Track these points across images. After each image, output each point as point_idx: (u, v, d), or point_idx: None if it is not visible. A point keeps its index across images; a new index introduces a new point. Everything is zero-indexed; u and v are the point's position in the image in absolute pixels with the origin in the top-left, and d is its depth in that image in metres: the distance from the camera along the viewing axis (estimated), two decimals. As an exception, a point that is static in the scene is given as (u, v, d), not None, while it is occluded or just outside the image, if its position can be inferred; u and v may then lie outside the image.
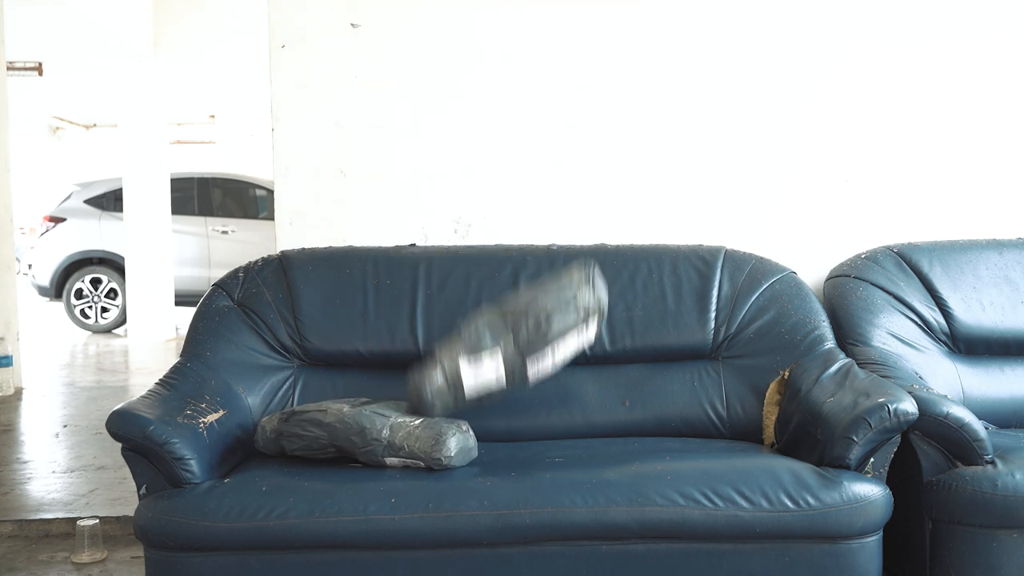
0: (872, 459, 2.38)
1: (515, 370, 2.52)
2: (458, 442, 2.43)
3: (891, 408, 2.32)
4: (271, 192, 8.85)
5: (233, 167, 13.19)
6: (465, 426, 2.49)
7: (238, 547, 2.27)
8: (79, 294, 9.61)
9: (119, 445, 2.38)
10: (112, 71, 9.13)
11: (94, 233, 9.60)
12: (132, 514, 2.36)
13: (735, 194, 3.30)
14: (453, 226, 3.29)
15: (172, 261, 9.29)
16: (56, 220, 9.70)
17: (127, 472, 2.45)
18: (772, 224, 3.29)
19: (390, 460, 2.44)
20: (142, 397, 2.50)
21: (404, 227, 3.28)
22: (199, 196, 9.94)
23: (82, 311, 9.62)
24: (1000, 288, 3.02)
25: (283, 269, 2.96)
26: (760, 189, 3.30)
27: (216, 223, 9.79)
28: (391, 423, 2.46)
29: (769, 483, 2.30)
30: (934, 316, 2.99)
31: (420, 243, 3.26)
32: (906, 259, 3.07)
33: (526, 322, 2.52)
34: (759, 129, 3.29)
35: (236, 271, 3.01)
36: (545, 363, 2.53)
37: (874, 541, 2.34)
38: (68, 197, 9.89)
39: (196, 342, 2.85)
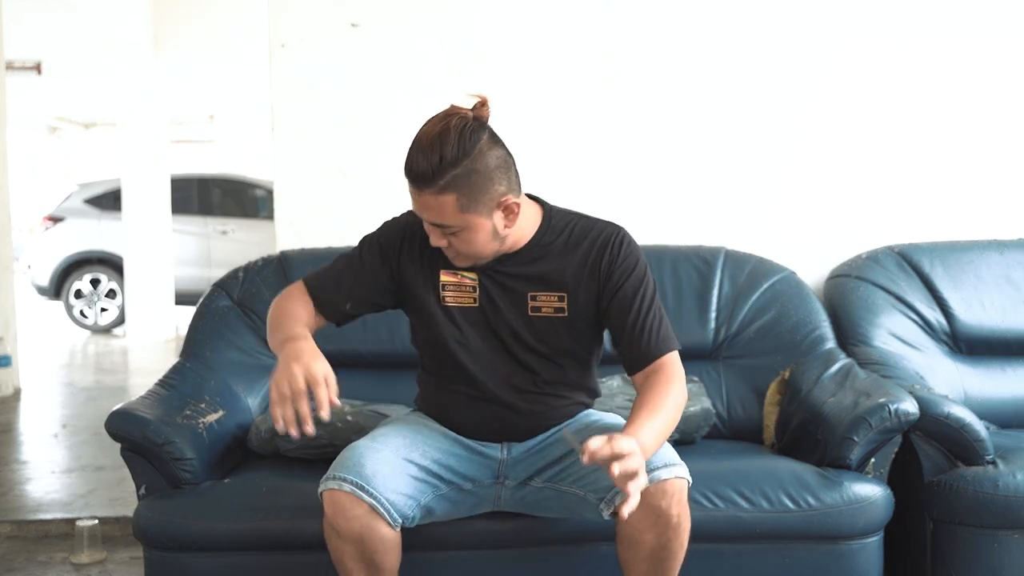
0: (873, 459, 2.38)
1: None
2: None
3: (892, 408, 2.32)
4: (271, 192, 8.84)
5: (233, 167, 13.18)
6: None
7: (238, 547, 2.27)
8: (78, 294, 9.60)
9: (118, 445, 2.38)
10: (112, 71, 9.11)
11: (93, 233, 9.58)
12: (131, 514, 2.35)
13: (735, 194, 3.29)
14: (453, 226, 3.27)
15: (172, 261, 9.28)
16: (56, 220, 9.69)
17: (126, 472, 2.44)
18: (772, 224, 3.28)
19: (389, 460, 2.43)
20: (141, 397, 2.49)
21: (404, 227, 3.27)
22: (199, 196, 9.94)
23: (81, 311, 9.62)
24: (1001, 288, 3.01)
25: (283, 269, 2.96)
26: (760, 189, 3.29)
27: (216, 223, 9.78)
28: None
29: (769, 483, 2.30)
30: (935, 316, 2.98)
31: (420, 243, 3.25)
32: (907, 259, 3.07)
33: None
34: (759, 129, 3.28)
35: (236, 271, 3.00)
36: None
37: (875, 542, 2.34)
38: (68, 197, 9.88)
39: (196, 342, 2.84)
